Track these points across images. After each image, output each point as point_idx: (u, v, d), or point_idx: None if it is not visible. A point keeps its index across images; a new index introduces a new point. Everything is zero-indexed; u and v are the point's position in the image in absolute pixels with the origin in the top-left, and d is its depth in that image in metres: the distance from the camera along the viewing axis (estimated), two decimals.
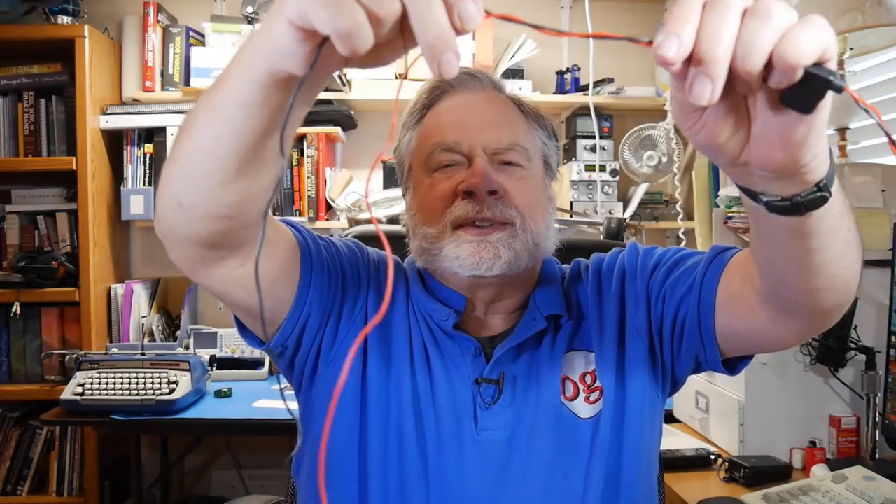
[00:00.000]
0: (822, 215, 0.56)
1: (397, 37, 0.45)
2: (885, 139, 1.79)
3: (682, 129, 0.52)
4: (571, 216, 2.47)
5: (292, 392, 1.04)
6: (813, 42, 0.44)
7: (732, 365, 0.88)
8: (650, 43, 0.45)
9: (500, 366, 0.91)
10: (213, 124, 0.58)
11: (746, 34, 0.44)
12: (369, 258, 0.97)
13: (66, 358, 2.31)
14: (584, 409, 0.90)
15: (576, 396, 0.91)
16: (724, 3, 0.44)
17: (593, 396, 0.91)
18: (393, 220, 2.52)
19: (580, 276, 0.99)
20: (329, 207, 2.58)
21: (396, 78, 2.51)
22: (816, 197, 0.54)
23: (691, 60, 0.44)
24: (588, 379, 0.92)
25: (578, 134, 2.57)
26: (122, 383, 1.97)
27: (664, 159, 2.48)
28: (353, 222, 2.53)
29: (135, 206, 2.51)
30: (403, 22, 0.44)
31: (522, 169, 0.91)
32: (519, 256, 0.87)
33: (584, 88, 2.56)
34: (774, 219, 0.57)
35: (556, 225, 0.98)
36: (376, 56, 0.46)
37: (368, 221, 2.47)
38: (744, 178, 0.55)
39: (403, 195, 1.01)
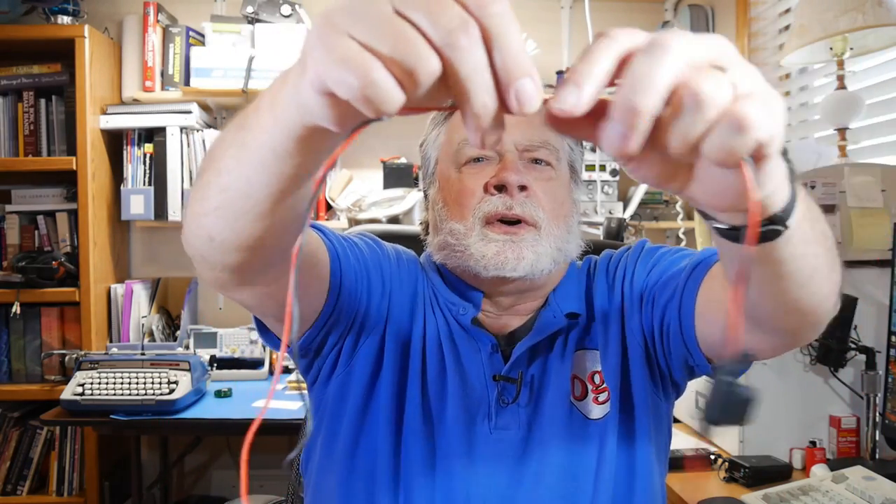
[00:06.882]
0: (779, 245, 0.52)
1: (439, 87, 0.38)
2: (886, 139, 1.78)
3: (618, 162, 0.47)
4: None
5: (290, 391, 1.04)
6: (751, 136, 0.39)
7: None
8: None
9: (519, 365, 0.91)
10: (245, 166, 0.54)
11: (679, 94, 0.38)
12: (388, 255, 0.96)
13: (66, 358, 2.31)
14: (593, 409, 0.90)
15: (584, 396, 0.91)
16: (660, 48, 0.38)
17: (602, 397, 0.90)
18: (393, 219, 2.52)
19: (591, 274, 0.98)
20: (329, 207, 2.58)
21: None
22: (769, 230, 0.50)
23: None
24: (597, 379, 0.91)
25: None
26: (122, 383, 1.97)
27: None
28: (354, 222, 2.53)
29: (135, 206, 2.51)
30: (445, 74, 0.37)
31: (552, 169, 0.92)
32: (541, 260, 0.87)
33: None
34: (727, 241, 0.53)
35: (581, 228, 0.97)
36: (416, 110, 0.40)
37: (368, 221, 2.48)
38: (693, 202, 0.50)
39: (426, 190, 1.00)
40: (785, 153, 0.49)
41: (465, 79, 0.37)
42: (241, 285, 0.70)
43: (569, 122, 0.39)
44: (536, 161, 0.91)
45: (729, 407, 0.40)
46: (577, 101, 0.38)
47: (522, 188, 0.87)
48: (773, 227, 0.50)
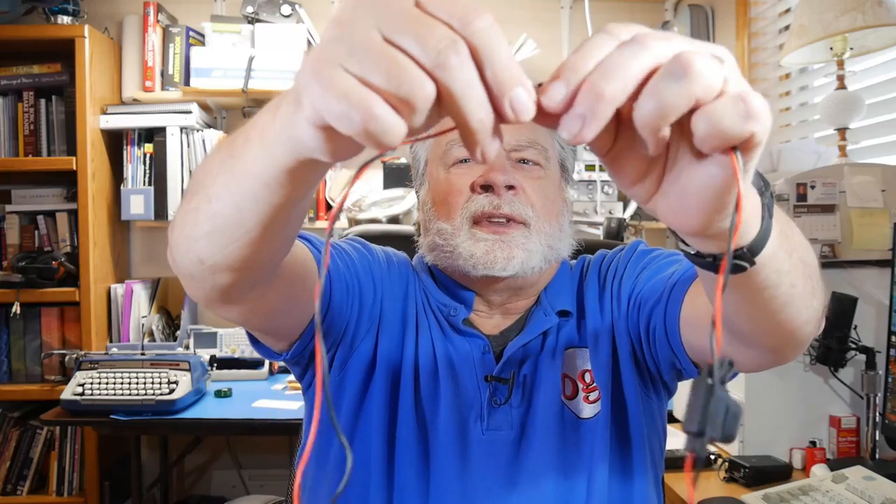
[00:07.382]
0: (747, 276, 0.51)
1: (432, 108, 0.38)
2: (886, 139, 1.79)
3: (600, 161, 0.46)
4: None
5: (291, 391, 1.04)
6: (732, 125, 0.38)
7: None
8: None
9: (511, 365, 0.91)
10: (235, 194, 0.54)
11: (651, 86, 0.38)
12: (377, 258, 0.96)
13: (66, 358, 2.31)
14: (584, 408, 0.90)
15: (575, 395, 0.91)
16: (638, 43, 0.38)
17: (592, 396, 0.90)
18: (393, 219, 2.52)
19: (584, 273, 0.98)
20: (329, 207, 2.58)
21: None
22: (733, 265, 0.48)
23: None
24: (587, 378, 0.91)
25: None
26: (122, 383, 1.97)
27: None
28: (354, 222, 2.53)
29: (135, 206, 2.51)
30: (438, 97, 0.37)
31: (540, 168, 0.91)
32: (531, 258, 0.87)
33: None
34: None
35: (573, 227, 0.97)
36: (416, 138, 0.40)
37: (369, 221, 2.47)
38: (655, 215, 0.48)
39: (417, 191, 1.00)
40: (766, 187, 0.49)
41: (460, 97, 0.37)
42: (229, 304, 0.70)
43: (555, 116, 0.39)
44: (524, 161, 0.91)
45: (716, 416, 0.36)
46: (564, 97, 0.38)
47: (510, 188, 0.87)
48: (736, 262, 0.49)
